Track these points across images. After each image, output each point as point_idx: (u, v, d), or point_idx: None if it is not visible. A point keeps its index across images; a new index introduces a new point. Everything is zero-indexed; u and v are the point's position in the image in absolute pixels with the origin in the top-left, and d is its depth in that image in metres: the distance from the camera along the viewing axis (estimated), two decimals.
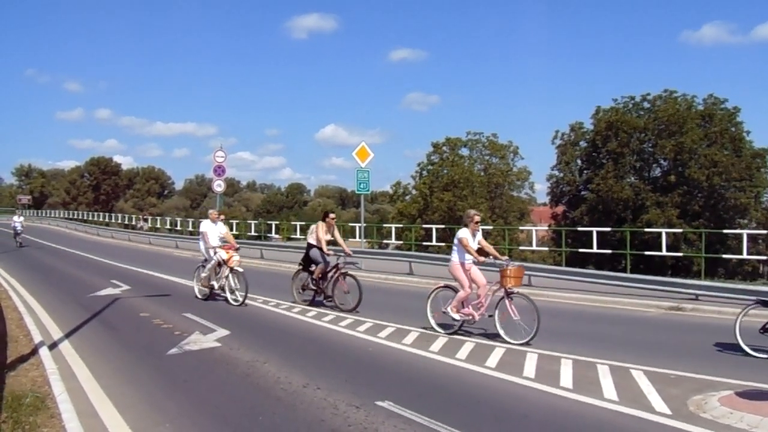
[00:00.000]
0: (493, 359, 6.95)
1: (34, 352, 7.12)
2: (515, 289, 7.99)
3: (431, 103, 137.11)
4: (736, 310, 10.92)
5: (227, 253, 11.34)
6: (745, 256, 18.33)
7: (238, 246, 11.87)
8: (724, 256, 24.02)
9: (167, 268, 18.02)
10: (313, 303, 10.98)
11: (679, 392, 5.60)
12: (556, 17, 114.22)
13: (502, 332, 7.89)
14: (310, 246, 11.00)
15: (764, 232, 30.95)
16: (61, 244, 30.74)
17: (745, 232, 20.86)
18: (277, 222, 39.39)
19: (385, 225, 30.92)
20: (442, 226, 27.11)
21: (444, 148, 47.69)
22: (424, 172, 47.99)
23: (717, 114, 37.29)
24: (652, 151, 38.79)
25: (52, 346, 7.55)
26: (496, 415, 5.16)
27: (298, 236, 29.88)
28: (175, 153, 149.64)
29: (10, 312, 10.02)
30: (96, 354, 7.23)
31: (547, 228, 40.07)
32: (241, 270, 11.27)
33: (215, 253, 11.51)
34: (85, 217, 57.41)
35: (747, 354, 7.19)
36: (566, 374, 6.25)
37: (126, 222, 48.68)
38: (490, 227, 33.33)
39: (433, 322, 8.52)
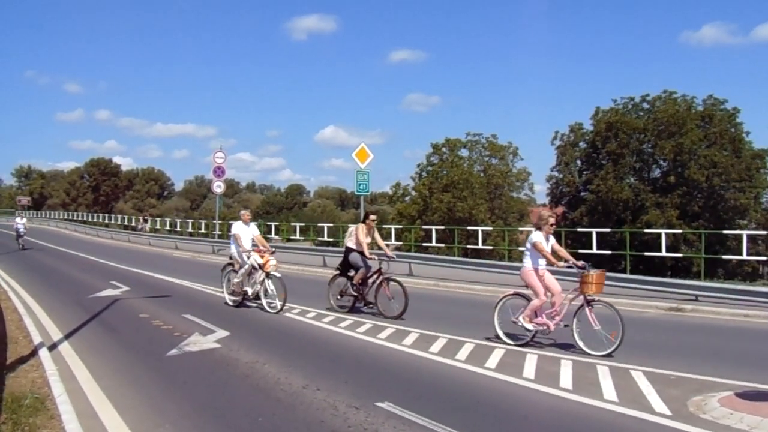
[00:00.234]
0: (493, 360, 6.95)
1: (34, 353, 7.10)
2: (596, 297, 7.45)
3: (431, 104, 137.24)
4: (736, 311, 11.01)
5: (262, 257, 10.58)
6: (744, 256, 18.39)
7: (273, 249, 11.08)
8: (724, 256, 24.11)
9: (167, 269, 18.04)
10: (352, 310, 10.29)
11: (679, 393, 5.60)
12: (556, 18, 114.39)
13: (581, 343, 7.30)
14: (348, 250, 10.30)
15: (764, 232, 31.01)
16: (61, 245, 30.71)
17: (744, 232, 20.91)
18: (277, 223, 39.45)
19: (384, 226, 30.94)
20: (442, 227, 27.13)
21: (443, 149, 47.77)
22: (424, 173, 48.11)
23: (717, 115, 37.35)
24: (652, 152, 38.84)
25: (52, 347, 7.54)
26: (496, 416, 5.16)
27: (297, 237, 29.94)
28: (175, 154, 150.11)
29: (10, 313, 10.01)
30: (96, 355, 7.22)
31: None
32: (278, 275, 10.50)
33: (249, 257, 10.71)
34: (85, 218, 57.42)
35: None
36: (566, 375, 6.25)
37: (126, 223, 48.65)
38: (490, 228, 33.36)
39: (501, 333, 7.90)
